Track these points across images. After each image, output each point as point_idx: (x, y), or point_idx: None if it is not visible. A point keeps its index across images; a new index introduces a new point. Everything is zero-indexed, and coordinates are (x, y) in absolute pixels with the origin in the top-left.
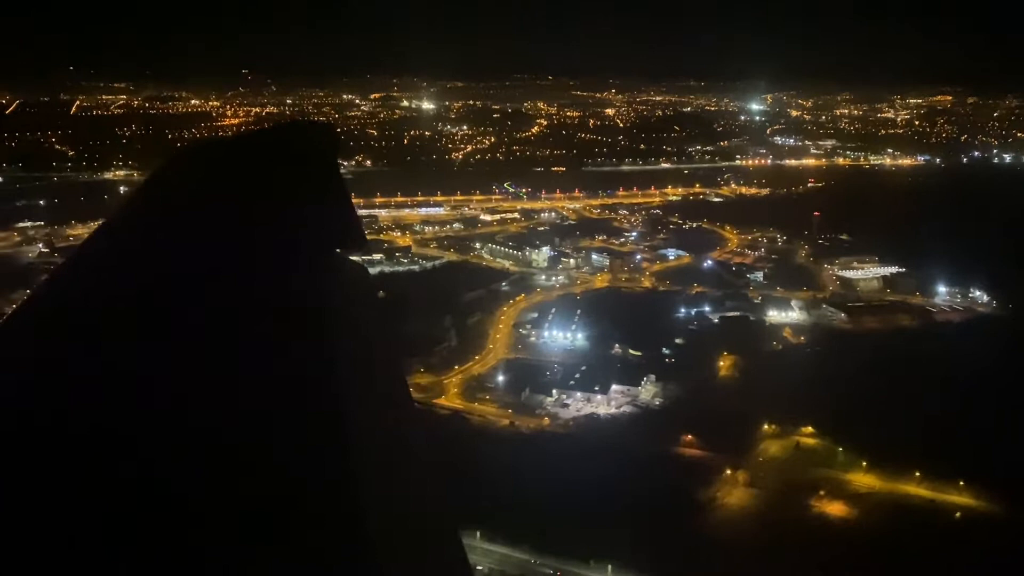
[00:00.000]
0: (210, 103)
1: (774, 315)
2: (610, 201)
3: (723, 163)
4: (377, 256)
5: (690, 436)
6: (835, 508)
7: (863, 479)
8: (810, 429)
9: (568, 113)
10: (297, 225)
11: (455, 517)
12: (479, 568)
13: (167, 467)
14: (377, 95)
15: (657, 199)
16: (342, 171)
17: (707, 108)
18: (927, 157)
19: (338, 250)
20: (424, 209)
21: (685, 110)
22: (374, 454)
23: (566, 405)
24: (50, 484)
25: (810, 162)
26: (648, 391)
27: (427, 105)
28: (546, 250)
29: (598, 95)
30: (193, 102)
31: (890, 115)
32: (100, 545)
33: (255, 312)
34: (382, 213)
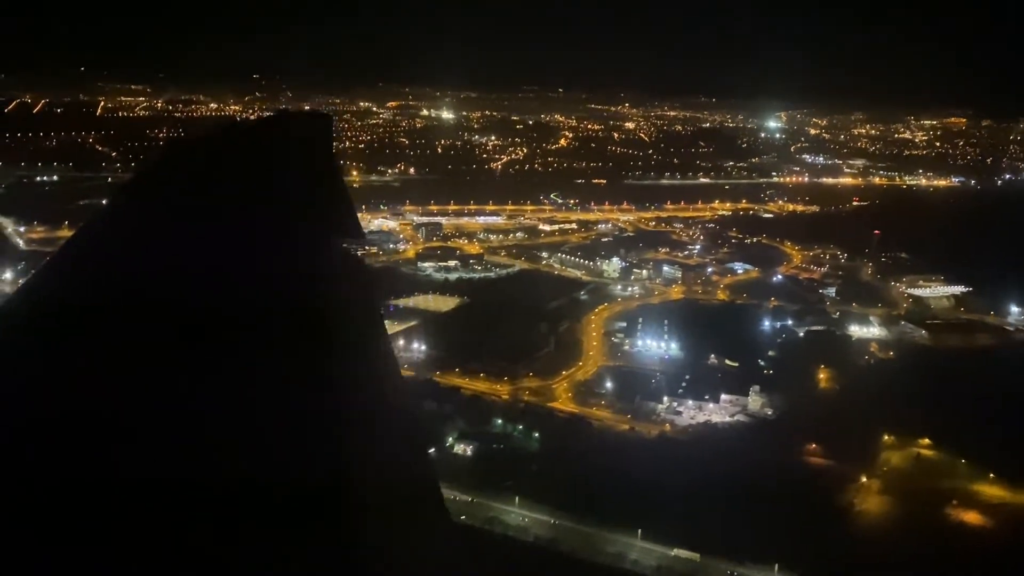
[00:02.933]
0: (230, 107)
1: (855, 330)
2: (663, 214)
3: (761, 179)
4: (453, 263)
5: (813, 445)
6: (971, 517)
7: (991, 490)
8: (927, 441)
9: (589, 126)
10: (291, 215)
11: (438, 491)
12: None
13: (164, 454)
14: (394, 103)
15: (707, 213)
16: (337, 160)
17: (726, 124)
18: (961, 178)
19: (334, 238)
20: (481, 218)
21: (704, 126)
22: (368, 444)
23: (679, 413)
24: (47, 478)
25: (847, 181)
26: (755, 401)
27: (446, 115)
28: (616, 261)
29: (612, 108)
30: (212, 105)
31: (907, 136)
32: (94, 540)
33: (249, 304)
34: (442, 221)
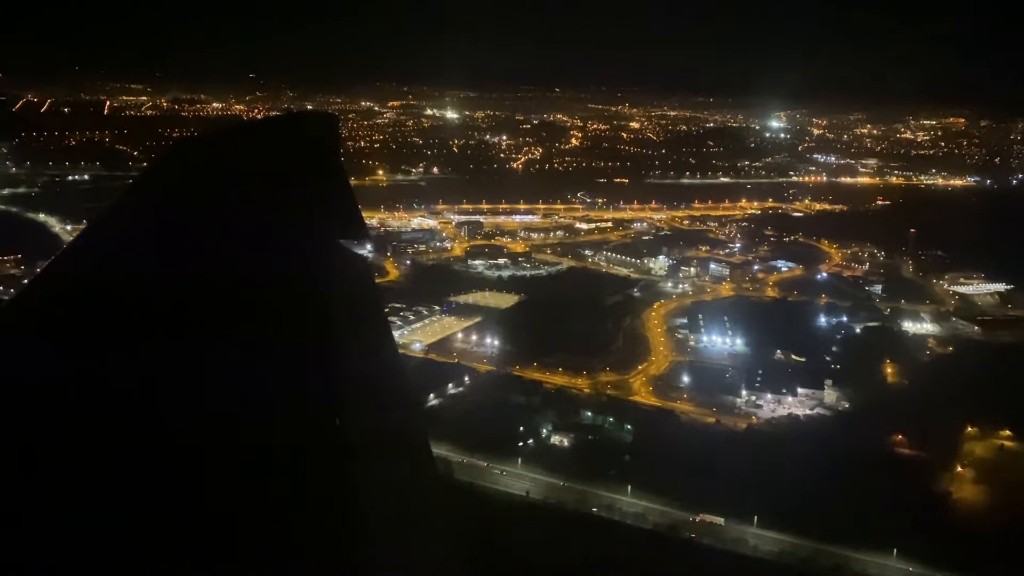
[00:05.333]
0: (234, 107)
1: (909, 326)
2: (695, 213)
3: (780, 179)
4: (503, 260)
5: (899, 436)
6: None
7: None
8: (1008, 432)
9: (596, 126)
10: (296, 214)
11: (433, 460)
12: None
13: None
14: (396, 103)
15: (737, 212)
16: (342, 160)
17: (729, 124)
18: (976, 178)
19: (339, 238)
20: (517, 216)
21: (708, 125)
22: (371, 432)
23: (759, 406)
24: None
25: (864, 180)
26: (830, 394)
27: (450, 114)
28: (663, 259)
29: (612, 108)
30: (216, 105)
31: (909, 135)
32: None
33: (255, 300)
34: (480, 219)
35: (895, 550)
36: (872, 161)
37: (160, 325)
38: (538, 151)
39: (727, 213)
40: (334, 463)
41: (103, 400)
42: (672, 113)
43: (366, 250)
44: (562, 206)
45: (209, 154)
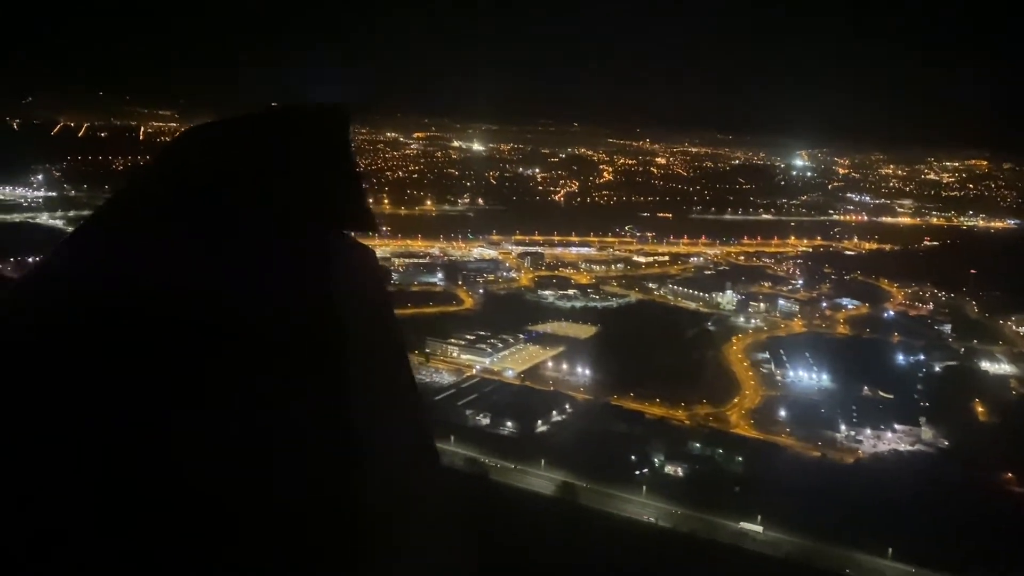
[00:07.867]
0: None
1: (986, 366)
2: (748, 249)
3: (821, 217)
4: (572, 292)
5: (1008, 474)
6: None
7: None
8: None
9: (624, 161)
10: (300, 204)
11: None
12: None
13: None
14: (421, 134)
15: (789, 249)
16: (354, 156)
17: (755, 162)
18: (1017, 221)
19: (346, 231)
20: (573, 248)
21: (735, 163)
22: (382, 459)
23: (859, 441)
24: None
25: (906, 220)
26: (926, 432)
27: (477, 147)
28: (730, 293)
29: (633, 144)
30: None
31: (933, 177)
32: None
33: (254, 297)
34: (538, 250)
35: None
36: (908, 201)
37: (140, 342)
38: (575, 184)
39: (780, 250)
40: (341, 467)
41: (79, 416)
42: (693, 149)
43: (374, 250)
44: (615, 239)
45: (204, 152)
